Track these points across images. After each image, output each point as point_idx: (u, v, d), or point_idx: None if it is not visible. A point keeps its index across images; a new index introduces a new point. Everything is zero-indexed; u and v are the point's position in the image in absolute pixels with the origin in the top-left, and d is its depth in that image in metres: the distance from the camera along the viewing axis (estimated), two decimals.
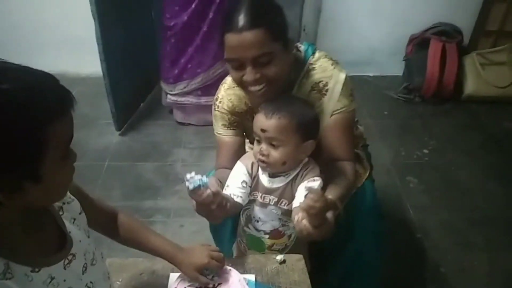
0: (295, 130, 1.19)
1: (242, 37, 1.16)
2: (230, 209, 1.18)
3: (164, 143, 2.76)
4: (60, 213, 0.86)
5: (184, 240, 2.11)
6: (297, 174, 1.25)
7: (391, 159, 2.69)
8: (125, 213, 1.10)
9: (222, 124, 1.44)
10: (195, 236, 2.14)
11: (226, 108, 1.42)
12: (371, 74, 3.54)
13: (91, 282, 0.89)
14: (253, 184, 1.28)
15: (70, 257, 0.83)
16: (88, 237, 0.93)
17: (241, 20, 1.15)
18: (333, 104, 1.33)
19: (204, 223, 2.16)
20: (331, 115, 1.34)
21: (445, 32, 3.18)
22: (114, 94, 2.67)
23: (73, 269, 0.84)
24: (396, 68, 3.44)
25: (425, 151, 2.78)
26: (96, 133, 2.83)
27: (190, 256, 1.07)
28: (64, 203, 0.88)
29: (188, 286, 1.07)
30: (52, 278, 0.79)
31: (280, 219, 1.29)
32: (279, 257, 1.22)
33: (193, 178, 1.01)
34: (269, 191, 1.27)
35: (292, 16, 3.55)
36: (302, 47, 1.39)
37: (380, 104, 3.25)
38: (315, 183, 1.21)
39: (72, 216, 0.89)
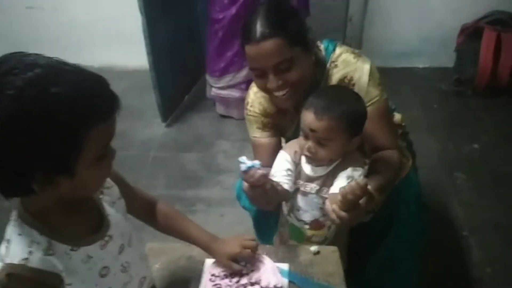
0: (345, 130, 1.18)
1: (260, 48, 1.19)
2: (281, 194, 1.21)
3: (207, 135, 2.82)
4: (100, 196, 0.91)
5: (223, 230, 2.15)
6: (340, 163, 1.24)
7: (438, 153, 2.60)
8: (164, 202, 1.14)
9: (257, 127, 1.46)
10: (234, 226, 2.17)
11: (257, 111, 1.44)
12: (420, 66, 3.42)
13: (126, 262, 0.93)
14: (296, 172, 1.28)
15: (107, 239, 0.88)
16: (126, 220, 0.98)
17: (258, 31, 1.18)
18: (362, 97, 1.30)
19: (244, 213, 2.19)
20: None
21: (500, 21, 3.01)
22: (160, 86, 2.74)
23: (110, 249, 0.89)
24: (447, 60, 3.29)
25: (476, 146, 2.67)
26: (142, 125, 2.92)
27: (224, 245, 1.11)
28: (105, 188, 0.92)
29: (222, 271, 1.10)
30: (90, 257, 0.85)
31: (321, 208, 1.28)
32: (314, 248, 1.22)
33: (245, 161, 1.04)
34: (310, 179, 1.26)
35: (338, 6, 3.52)
36: (322, 45, 1.38)
37: (429, 96, 3.14)
38: (357, 172, 1.21)
39: (111, 200, 0.94)
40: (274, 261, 1.16)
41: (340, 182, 1.18)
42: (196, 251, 1.22)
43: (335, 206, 1.07)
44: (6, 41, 2.84)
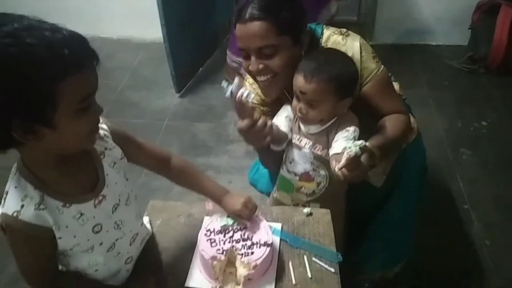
0: (334, 92, 1.23)
1: (247, 28, 1.23)
2: (277, 134, 1.28)
3: (219, 106, 2.89)
4: (102, 156, 0.96)
5: None
6: (334, 123, 1.30)
7: (445, 129, 2.62)
8: (179, 157, 1.21)
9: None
10: (241, 192, 2.23)
11: (255, 101, 1.48)
12: (433, 43, 3.40)
13: (120, 220, 1.00)
14: (293, 125, 1.35)
15: (100, 198, 0.94)
16: (127, 179, 1.04)
17: (248, 12, 1.22)
18: (360, 74, 1.33)
19: None
20: (365, 84, 1.35)
21: None
22: (173, 57, 2.81)
23: (103, 208, 0.95)
24: (461, 37, 3.27)
25: (484, 123, 2.68)
26: (157, 95, 3.00)
27: (231, 200, 1.18)
28: (106, 149, 0.97)
29: (218, 222, 1.17)
30: (82, 214, 0.90)
31: (312, 163, 1.35)
32: (306, 210, 1.29)
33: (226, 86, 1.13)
34: (305, 135, 1.34)
35: None
36: (310, 29, 1.39)
37: (440, 73, 3.13)
38: (350, 129, 1.26)
39: (112, 160, 0.99)
40: (268, 221, 1.22)
41: (340, 143, 1.23)
42: (195, 209, 1.31)
43: (340, 165, 1.13)
44: (29, 11, 2.92)
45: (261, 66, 1.28)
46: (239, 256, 1.07)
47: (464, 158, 2.44)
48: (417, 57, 3.27)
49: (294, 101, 1.30)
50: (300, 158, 1.36)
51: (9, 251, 0.88)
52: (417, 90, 2.88)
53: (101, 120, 0.93)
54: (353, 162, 1.10)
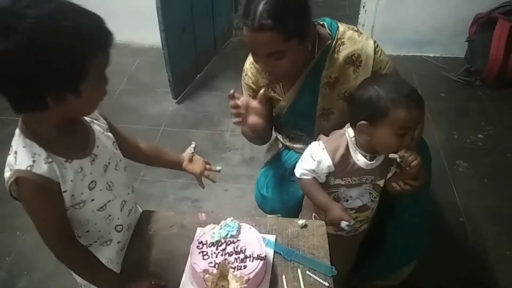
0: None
1: (255, 36, 1.24)
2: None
3: (216, 113, 2.88)
4: (91, 124, 1.08)
5: (227, 203, 2.25)
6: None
7: (442, 141, 2.63)
8: (144, 141, 1.34)
9: (248, 94, 1.54)
10: (237, 200, 2.27)
11: (250, 81, 1.52)
12: (431, 55, 3.41)
13: (111, 182, 1.10)
14: (346, 172, 1.32)
15: (93, 156, 1.04)
16: (116, 149, 1.15)
17: (257, 19, 1.21)
18: (370, 69, 1.40)
19: (246, 189, 2.28)
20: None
21: None
22: (172, 63, 2.80)
23: (97, 166, 1.05)
24: (458, 49, 3.29)
25: (480, 136, 2.69)
26: (154, 100, 3.00)
27: (192, 166, 1.42)
28: (94, 119, 1.10)
29: (211, 238, 1.15)
30: (82, 169, 1.00)
31: (370, 193, 1.37)
32: (301, 222, 1.28)
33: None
34: (366, 172, 1.32)
35: None
36: (325, 23, 1.42)
37: (437, 85, 3.15)
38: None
39: (100, 130, 1.11)
40: (262, 233, 1.21)
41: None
42: (188, 219, 1.29)
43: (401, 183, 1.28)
44: None
45: (269, 68, 1.33)
46: (231, 270, 1.06)
47: (460, 170, 2.45)
48: (414, 67, 3.27)
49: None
50: (359, 194, 1.37)
51: (6, 249, 0.90)
52: None
53: None
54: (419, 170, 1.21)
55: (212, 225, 1.17)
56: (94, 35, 0.86)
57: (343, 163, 1.31)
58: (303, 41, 1.29)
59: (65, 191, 0.97)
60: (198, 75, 3.22)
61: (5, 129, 2.32)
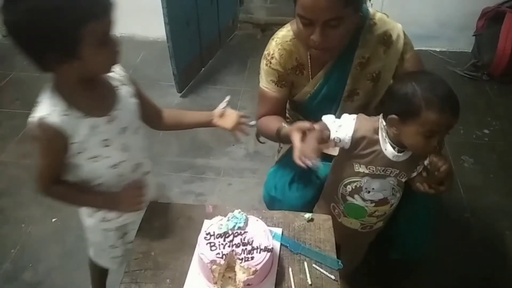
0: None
1: (316, 1, 1.21)
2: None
3: None
4: (117, 88, 1.16)
5: (230, 197, 2.25)
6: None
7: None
8: (168, 109, 1.43)
9: (271, 80, 1.50)
10: (241, 194, 2.27)
11: (278, 65, 1.47)
12: (437, 49, 3.38)
13: (127, 144, 1.18)
14: (371, 158, 1.30)
15: (111, 117, 1.12)
16: (137, 116, 1.22)
17: None
18: (399, 50, 1.43)
19: (250, 183, 2.29)
20: (407, 56, 1.45)
21: None
22: (176, 57, 2.79)
23: (113, 126, 1.14)
24: (465, 44, 3.27)
25: (486, 131, 2.67)
26: (158, 94, 2.97)
27: (223, 121, 1.41)
28: (121, 84, 1.18)
29: (218, 229, 1.14)
30: (96, 126, 1.10)
31: (393, 188, 1.35)
32: (307, 215, 1.27)
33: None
34: (392, 164, 1.29)
35: None
36: None
37: None
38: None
39: (128, 94, 1.19)
40: (269, 225, 1.21)
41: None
42: (195, 212, 1.29)
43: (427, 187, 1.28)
44: None
45: (324, 37, 1.27)
46: (238, 261, 1.06)
47: (465, 166, 2.43)
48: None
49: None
50: (382, 187, 1.34)
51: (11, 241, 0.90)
52: None
53: (119, 68, 1.18)
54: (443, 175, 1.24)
55: (219, 217, 1.17)
56: (84, 5, 0.94)
57: (359, 144, 1.29)
58: (357, 10, 1.30)
59: (74, 143, 1.08)
60: (203, 69, 3.21)
61: (11, 121, 2.31)
